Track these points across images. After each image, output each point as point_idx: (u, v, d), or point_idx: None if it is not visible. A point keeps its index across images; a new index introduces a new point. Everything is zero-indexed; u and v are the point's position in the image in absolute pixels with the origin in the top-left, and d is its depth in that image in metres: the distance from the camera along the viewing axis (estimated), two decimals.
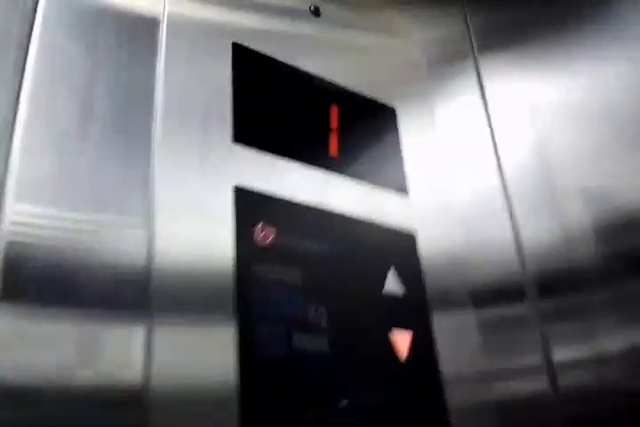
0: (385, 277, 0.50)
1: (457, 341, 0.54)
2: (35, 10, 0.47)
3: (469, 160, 0.70)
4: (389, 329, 0.49)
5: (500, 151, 0.74)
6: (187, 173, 0.45)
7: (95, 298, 0.39)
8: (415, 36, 0.77)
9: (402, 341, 0.50)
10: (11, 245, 0.37)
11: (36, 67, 0.44)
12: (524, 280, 0.66)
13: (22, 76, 0.44)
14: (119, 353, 0.38)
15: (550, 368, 0.61)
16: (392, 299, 0.50)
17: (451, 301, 0.56)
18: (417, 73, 0.71)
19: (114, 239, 0.41)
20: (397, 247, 0.53)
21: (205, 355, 0.40)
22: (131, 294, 0.40)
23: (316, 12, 0.63)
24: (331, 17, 0.64)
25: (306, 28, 0.62)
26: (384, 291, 0.50)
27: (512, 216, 0.69)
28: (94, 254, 0.40)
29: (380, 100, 0.63)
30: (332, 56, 0.62)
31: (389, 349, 0.49)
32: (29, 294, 0.37)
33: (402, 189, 0.58)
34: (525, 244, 0.67)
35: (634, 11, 0.74)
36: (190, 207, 0.44)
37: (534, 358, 0.61)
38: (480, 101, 0.80)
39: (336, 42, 0.64)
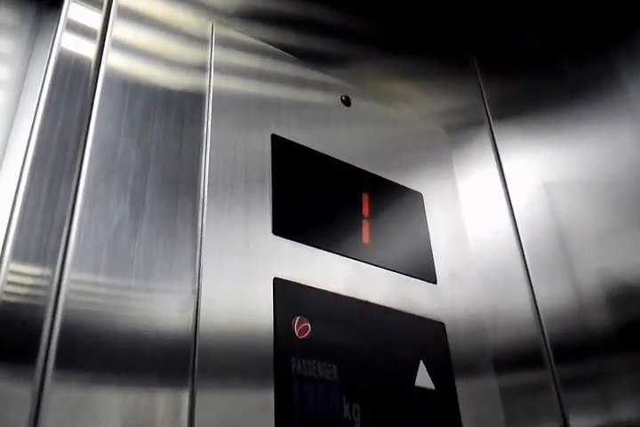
0: (416, 370, 0.51)
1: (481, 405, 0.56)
2: (91, 109, 0.50)
3: (489, 233, 0.73)
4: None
5: (517, 222, 0.77)
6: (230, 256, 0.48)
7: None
8: (433, 107, 0.81)
9: None
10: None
11: (90, 164, 0.47)
12: (543, 347, 0.67)
13: (80, 173, 0.47)
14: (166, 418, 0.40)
15: None
16: (424, 393, 0.51)
17: (474, 367, 0.58)
18: (441, 154, 0.73)
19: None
20: (428, 337, 0.55)
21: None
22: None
23: (346, 102, 0.67)
24: (360, 105, 0.68)
25: (337, 117, 0.65)
26: (416, 385, 0.51)
27: (530, 285, 0.71)
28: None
29: (408, 186, 0.65)
30: (362, 143, 0.65)
31: None
32: (85, 361, 0.39)
33: (431, 278, 0.60)
34: (542, 311, 0.69)
35: None
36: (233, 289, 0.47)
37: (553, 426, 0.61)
38: (498, 173, 0.83)
39: (365, 129, 0.67)
